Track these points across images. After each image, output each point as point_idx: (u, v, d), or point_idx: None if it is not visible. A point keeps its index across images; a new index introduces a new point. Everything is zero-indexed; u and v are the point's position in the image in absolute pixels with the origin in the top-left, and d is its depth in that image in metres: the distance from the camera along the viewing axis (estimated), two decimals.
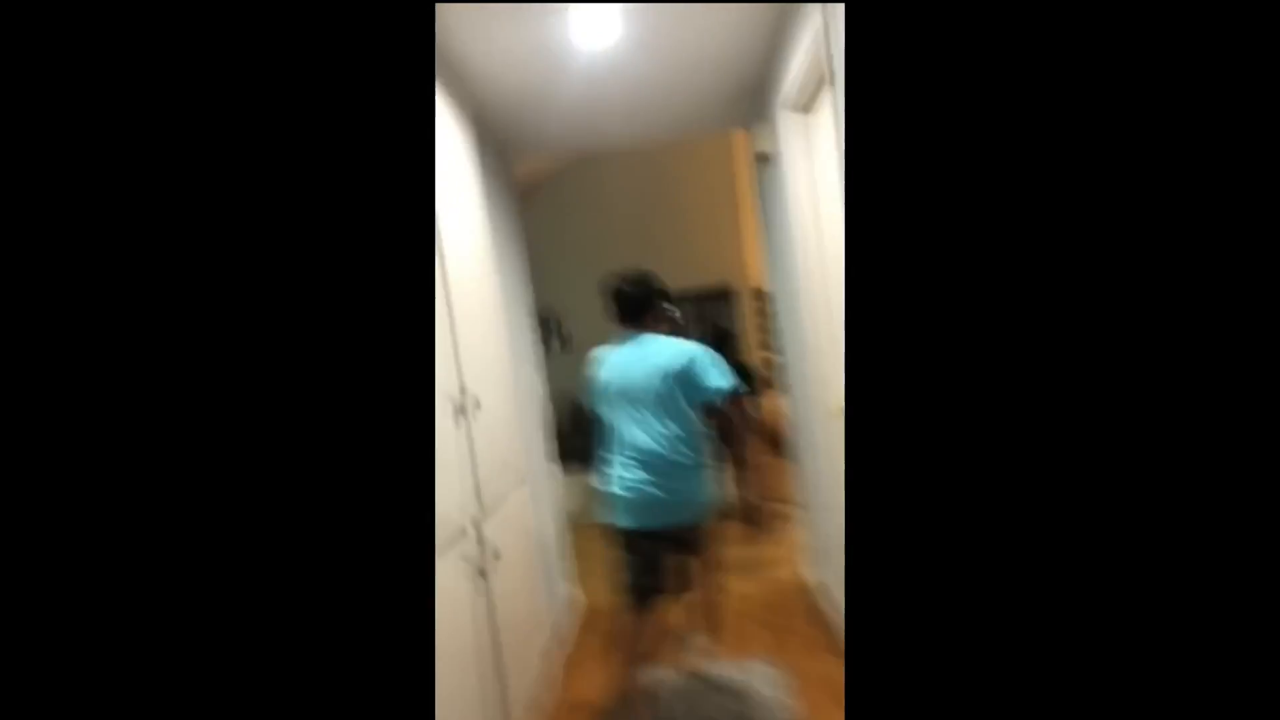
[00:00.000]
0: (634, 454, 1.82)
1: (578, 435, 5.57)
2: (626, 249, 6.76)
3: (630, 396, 1.86)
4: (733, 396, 1.83)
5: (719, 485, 1.99)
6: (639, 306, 1.96)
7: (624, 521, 1.85)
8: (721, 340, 4.79)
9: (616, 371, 1.90)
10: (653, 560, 1.85)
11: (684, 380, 1.82)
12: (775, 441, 4.07)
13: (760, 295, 7.00)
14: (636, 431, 1.83)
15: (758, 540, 3.31)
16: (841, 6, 1.43)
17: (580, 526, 3.87)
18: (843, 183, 1.59)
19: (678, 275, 6.79)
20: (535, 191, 6.59)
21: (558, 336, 6.80)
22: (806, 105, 2.16)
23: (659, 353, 1.86)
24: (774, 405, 5.10)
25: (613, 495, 1.87)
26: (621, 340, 1.96)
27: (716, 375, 1.83)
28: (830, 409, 2.18)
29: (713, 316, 6.70)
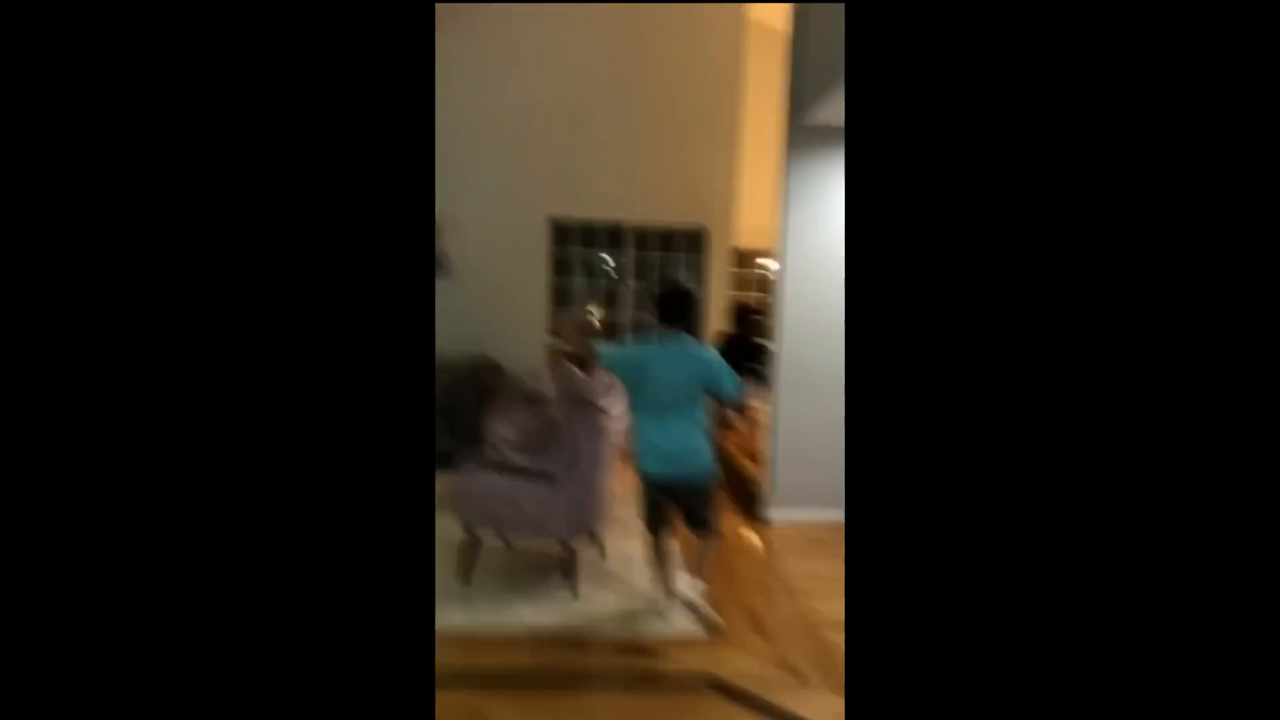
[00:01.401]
0: (666, 425, 2.39)
1: (460, 412, 3.76)
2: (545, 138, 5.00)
3: (670, 385, 2.37)
4: (733, 404, 2.59)
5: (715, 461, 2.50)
6: (679, 311, 2.43)
7: (651, 470, 2.44)
8: (745, 321, 4.95)
9: (658, 364, 2.38)
10: (663, 501, 2.49)
11: (707, 383, 2.40)
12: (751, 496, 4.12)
13: (750, 256, 5.64)
14: (672, 411, 2.38)
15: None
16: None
17: None
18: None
19: (621, 202, 5.25)
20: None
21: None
22: None
23: (695, 356, 2.42)
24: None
25: (644, 452, 2.44)
26: (658, 336, 2.45)
27: (729, 384, 2.43)
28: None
29: (674, 266, 5.16)
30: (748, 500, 4.01)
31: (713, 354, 2.44)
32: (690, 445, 2.40)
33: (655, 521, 2.52)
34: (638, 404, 2.46)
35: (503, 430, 3.11)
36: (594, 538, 3.02)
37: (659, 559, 2.59)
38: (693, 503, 2.46)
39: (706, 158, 5.38)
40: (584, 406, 2.67)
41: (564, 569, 2.78)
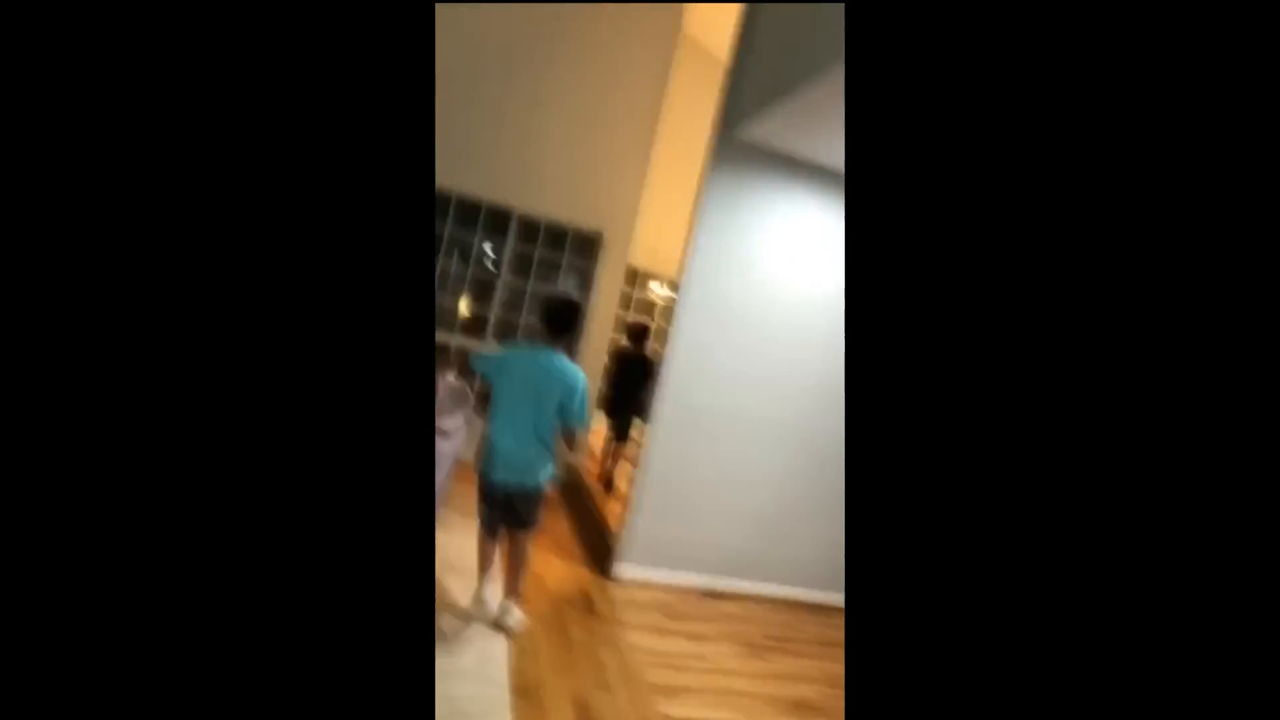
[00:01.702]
0: (512, 430, 2.40)
1: None
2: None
3: (524, 393, 2.38)
4: (568, 431, 2.44)
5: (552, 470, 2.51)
6: (565, 324, 2.45)
7: (489, 475, 2.45)
8: (641, 341, 4.54)
9: (520, 373, 2.41)
10: (501, 505, 2.47)
11: (560, 402, 2.39)
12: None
13: (644, 278, 5.26)
14: (519, 417, 2.39)
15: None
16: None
17: None
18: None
19: (512, 186, 4.67)
20: None
21: None
22: None
23: (558, 372, 2.39)
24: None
25: (487, 457, 2.44)
26: (530, 345, 2.48)
27: (578, 412, 2.42)
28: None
29: (568, 265, 4.62)
30: (595, 547, 3.50)
31: (577, 376, 2.41)
32: (532, 455, 2.39)
33: (488, 526, 2.53)
34: (494, 409, 2.41)
35: None
36: None
37: (482, 563, 2.62)
38: (522, 508, 2.47)
39: (616, 162, 4.93)
40: None
41: None
